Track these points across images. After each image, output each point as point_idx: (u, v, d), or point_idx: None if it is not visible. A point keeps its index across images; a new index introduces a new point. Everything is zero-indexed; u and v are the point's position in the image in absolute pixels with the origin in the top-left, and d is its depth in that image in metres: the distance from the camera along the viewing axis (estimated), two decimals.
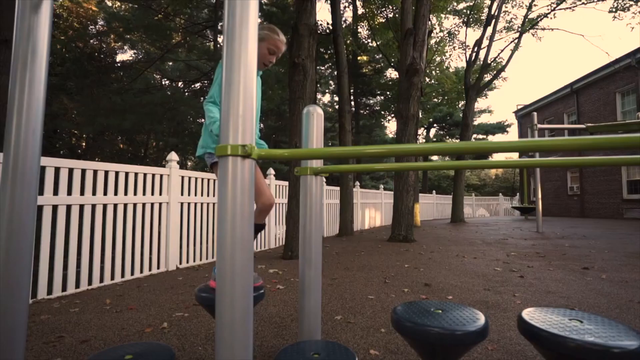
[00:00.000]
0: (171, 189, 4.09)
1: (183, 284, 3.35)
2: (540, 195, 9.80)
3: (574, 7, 13.32)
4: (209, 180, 4.71)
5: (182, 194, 4.27)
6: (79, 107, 14.45)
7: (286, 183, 6.26)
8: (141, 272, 3.75)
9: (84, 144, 18.51)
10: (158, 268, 3.95)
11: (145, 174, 3.82)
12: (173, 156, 4.19)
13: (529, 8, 13.51)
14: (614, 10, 12.23)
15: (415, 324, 1.17)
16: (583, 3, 13.06)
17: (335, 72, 9.34)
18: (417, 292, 3.03)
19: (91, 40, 15.81)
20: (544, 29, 14.62)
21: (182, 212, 4.27)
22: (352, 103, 17.76)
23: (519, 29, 13.88)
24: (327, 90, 22.84)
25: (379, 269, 4.00)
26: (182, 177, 4.30)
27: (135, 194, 3.71)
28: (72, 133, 17.36)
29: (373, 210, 10.94)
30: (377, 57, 17.25)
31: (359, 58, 17.46)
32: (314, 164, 1.79)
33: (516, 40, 13.78)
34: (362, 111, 20.20)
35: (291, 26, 5.72)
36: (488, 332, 1.20)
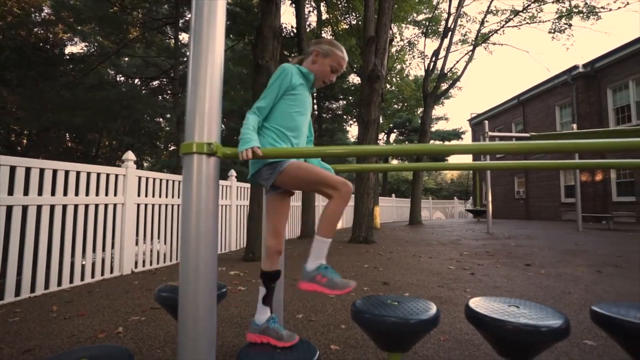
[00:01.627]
0: (127, 189, 3.93)
1: (139, 288, 3.23)
2: (490, 199, 10.47)
3: (520, 25, 14.42)
4: (167, 181, 4.57)
5: (139, 195, 4.11)
6: (20, 100, 13.34)
7: (248, 185, 6.21)
8: (92, 277, 3.55)
9: (25, 140, 17.10)
10: (112, 272, 3.77)
11: (98, 174, 3.64)
12: (130, 155, 4.03)
13: (482, 23, 14.42)
14: (552, 31, 13.39)
15: (373, 315, 1.24)
16: (527, 23, 14.17)
17: None
18: (376, 290, 3.14)
19: (35, 29, 14.67)
20: (494, 43, 15.67)
21: (139, 214, 4.11)
22: (316, 107, 17.92)
23: (473, 42, 14.76)
24: None
25: (339, 269, 4.09)
26: (140, 178, 4.13)
27: (87, 194, 3.52)
28: (11, 129, 15.98)
29: None
30: None
31: None
32: None
33: (470, 53, 14.65)
34: (325, 115, 20.41)
35: (255, 28, 5.71)
36: (439, 320, 1.30)
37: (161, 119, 18.31)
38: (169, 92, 16.16)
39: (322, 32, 15.75)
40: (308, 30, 16.04)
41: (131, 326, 2.22)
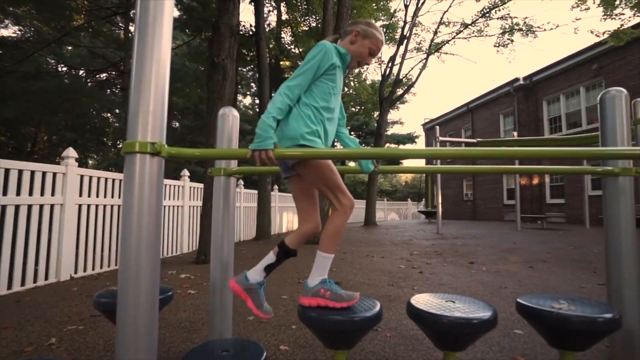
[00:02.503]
0: (67, 189, 3.66)
1: (78, 295, 3.02)
2: (440, 201, 11.02)
3: (469, 37, 15.36)
4: (114, 180, 4.32)
5: (80, 195, 3.84)
6: None
7: (201, 185, 6.04)
8: (22, 284, 3.25)
9: None
10: (46, 279, 3.48)
11: (32, 172, 3.35)
12: (70, 152, 3.75)
13: (435, 33, 15.17)
14: (497, 45, 14.44)
15: (318, 314, 1.27)
16: (475, 35, 15.14)
17: (257, 75, 9.31)
18: None
19: None
20: (446, 53, 16.55)
21: (81, 215, 3.84)
22: None
23: (427, 51, 15.47)
24: (248, 93, 22.49)
25: (293, 270, 4.10)
26: (82, 177, 3.87)
27: (18, 194, 3.22)
28: None
29: (291, 213, 11.09)
30: (300, 63, 17.58)
31: (281, 63, 17.59)
32: (228, 165, 1.80)
33: (424, 60, 15.34)
34: None
35: (212, 24, 5.57)
36: (382, 317, 1.36)
37: (109, 115, 17.20)
38: (118, 86, 15.22)
39: (282, 32, 15.70)
40: (267, 30, 15.90)
41: (67, 336, 2.08)
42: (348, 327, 1.24)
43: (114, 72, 13.96)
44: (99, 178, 4.10)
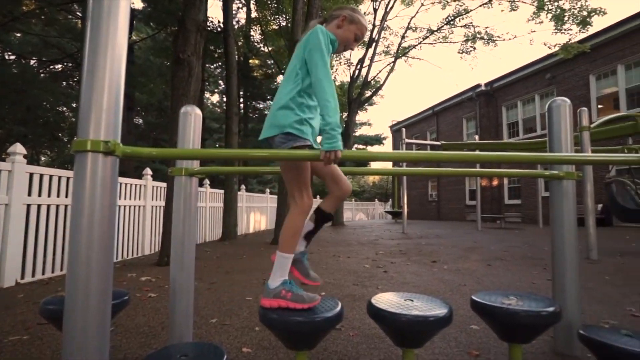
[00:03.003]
0: (14, 188, 3.41)
1: (24, 302, 2.83)
2: (406, 202, 11.32)
3: (434, 43, 15.89)
4: (69, 179, 4.08)
5: (29, 195, 3.59)
6: None
7: (164, 184, 5.84)
8: None
9: None
10: None
11: None
12: (18, 148, 3.50)
13: (402, 37, 15.55)
14: (461, 52, 15.05)
15: (279, 316, 1.27)
16: (441, 42, 15.69)
17: (225, 73, 9.13)
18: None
19: None
20: (413, 57, 17.03)
21: (30, 216, 3.59)
22: (242, 105, 17.54)
23: (394, 54, 15.83)
24: (216, 90, 22.01)
25: (259, 271, 4.07)
26: (31, 175, 3.62)
27: None
28: None
29: (259, 213, 10.97)
30: (269, 62, 17.44)
31: (250, 61, 17.37)
32: (190, 165, 1.76)
33: (392, 64, 15.68)
34: (251, 114, 20.08)
35: (177, 19, 5.40)
36: (343, 317, 1.39)
37: (65, 109, 16.18)
38: (75, 78, 14.37)
39: (252, 30, 15.50)
40: (236, 27, 15.62)
41: (8, 348, 1.94)
42: (309, 328, 1.25)
43: (70, 64, 13.18)
44: (51, 176, 3.86)
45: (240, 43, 15.08)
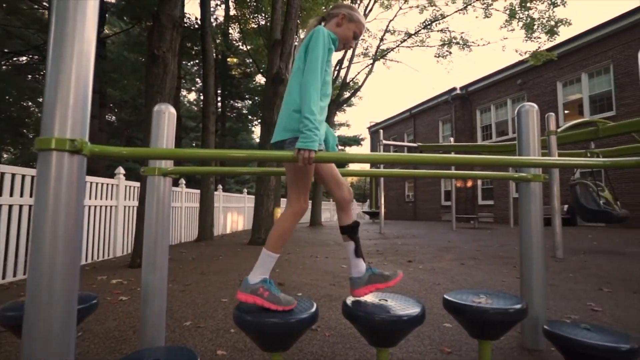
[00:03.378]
0: None
1: None
2: (383, 202, 11.48)
3: (412, 47, 16.20)
4: (33, 177, 3.89)
5: None
6: None
7: (138, 184, 5.67)
8: None
9: None
10: None
11: None
12: None
13: (381, 40, 15.76)
14: (437, 56, 15.41)
15: (254, 317, 1.26)
16: (418, 45, 16.01)
17: (202, 71, 8.97)
18: None
19: None
20: (391, 60, 17.30)
21: None
22: (219, 104, 17.27)
23: (373, 57, 16.02)
24: (193, 88, 21.57)
25: (235, 272, 4.02)
26: None
27: None
28: None
29: (236, 214, 10.84)
30: (248, 61, 17.26)
31: (228, 60, 17.13)
32: (163, 164, 1.72)
33: (370, 65, 15.86)
34: (229, 113, 19.79)
35: (153, 14, 5.26)
36: (318, 318, 1.39)
37: (30, 103, 15.43)
38: (42, 72, 13.71)
39: (230, 28, 15.29)
40: (215, 24, 15.37)
41: None
42: (284, 329, 1.25)
43: (35, 56, 12.57)
44: (13, 175, 3.67)
45: (218, 41, 14.84)
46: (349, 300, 1.49)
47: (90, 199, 4.73)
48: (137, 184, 5.69)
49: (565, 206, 11.39)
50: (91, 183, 4.77)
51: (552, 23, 11.32)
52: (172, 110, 1.78)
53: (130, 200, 5.64)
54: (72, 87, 1.02)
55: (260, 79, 18.77)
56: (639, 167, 1.23)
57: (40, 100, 14.59)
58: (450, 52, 15.16)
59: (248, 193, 11.93)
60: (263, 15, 13.29)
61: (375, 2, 14.61)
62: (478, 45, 14.57)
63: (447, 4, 14.27)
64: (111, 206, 5.20)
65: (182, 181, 7.58)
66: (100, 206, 4.96)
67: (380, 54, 16.10)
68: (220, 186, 9.52)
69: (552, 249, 5.09)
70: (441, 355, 1.86)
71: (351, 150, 26.90)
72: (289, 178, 1.52)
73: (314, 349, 1.94)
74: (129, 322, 2.33)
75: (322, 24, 1.62)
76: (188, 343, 1.98)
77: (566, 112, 12.89)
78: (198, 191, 7.95)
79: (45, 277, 0.94)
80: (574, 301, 2.89)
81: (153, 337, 1.66)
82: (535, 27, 11.58)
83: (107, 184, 5.14)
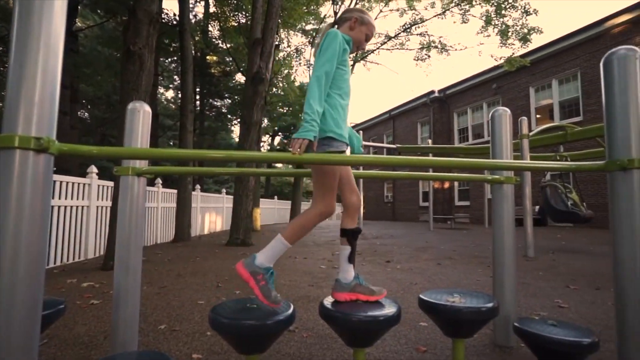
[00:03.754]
0: None
1: None
2: (362, 203, 11.58)
3: (392, 49, 16.43)
4: None
5: None
6: None
7: (111, 184, 5.50)
8: None
9: None
10: None
11: None
12: None
13: None
14: (416, 59, 15.70)
15: (230, 319, 1.24)
16: (398, 48, 16.25)
17: (180, 68, 8.78)
18: (249, 294, 3.14)
19: None
20: (371, 62, 17.47)
21: None
22: (198, 103, 16.96)
23: (353, 58, 16.13)
24: (170, 86, 21.10)
25: (213, 274, 3.95)
26: None
27: None
28: None
29: (214, 214, 10.67)
30: (228, 59, 17.04)
31: (208, 57, 16.86)
32: (137, 164, 1.67)
33: (351, 67, 15.94)
34: (208, 112, 19.47)
35: (128, 8, 5.11)
36: (295, 319, 1.39)
37: None
38: (5, 64, 13.05)
39: (210, 25, 15.05)
40: (194, 21, 15.10)
41: None
42: (260, 331, 1.24)
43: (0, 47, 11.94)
44: None
45: (197, 38, 14.59)
46: (326, 301, 1.50)
47: (60, 199, 4.55)
48: (111, 184, 5.52)
49: (537, 207, 11.84)
50: (61, 182, 4.58)
51: (525, 31, 11.75)
52: (147, 108, 1.73)
53: (104, 200, 5.45)
54: (38, 82, 0.97)
55: (240, 77, 18.56)
56: (601, 171, 1.29)
57: (3, 94, 13.91)
58: (429, 56, 15.48)
59: (227, 193, 11.76)
60: (243, 13, 13.16)
61: (356, 4, 14.72)
62: (456, 49, 14.93)
63: (426, 9, 14.58)
64: (83, 206, 5.01)
65: (159, 181, 7.40)
66: (71, 206, 4.78)
67: (361, 56, 16.25)
68: (198, 186, 9.36)
69: (523, 248, 5.27)
70: (417, 354, 1.89)
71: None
72: (313, 179, 1.55)
73: (291, 350, 1.93)
74: (100, 327, 2.25)
75: (335, 27, 1.68)
76: (162, 347, 1.93)
77: (538, 116, 13.39)
78: (175, 191, 7.78)
79: (6, 283, 0.89)
80: (543, 298, 3.00)
81: (125, 341, 1.61)
82: (510, 34, 11.99)
83: (79, 184, 4.95)
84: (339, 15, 1.74)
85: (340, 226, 1.65)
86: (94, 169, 5.26)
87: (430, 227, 11.28)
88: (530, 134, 5.89)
